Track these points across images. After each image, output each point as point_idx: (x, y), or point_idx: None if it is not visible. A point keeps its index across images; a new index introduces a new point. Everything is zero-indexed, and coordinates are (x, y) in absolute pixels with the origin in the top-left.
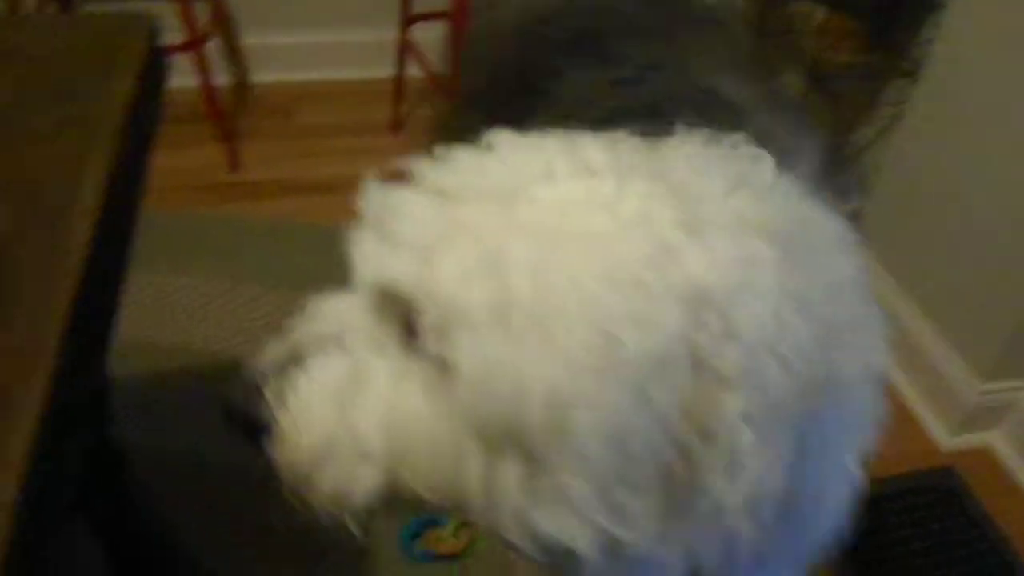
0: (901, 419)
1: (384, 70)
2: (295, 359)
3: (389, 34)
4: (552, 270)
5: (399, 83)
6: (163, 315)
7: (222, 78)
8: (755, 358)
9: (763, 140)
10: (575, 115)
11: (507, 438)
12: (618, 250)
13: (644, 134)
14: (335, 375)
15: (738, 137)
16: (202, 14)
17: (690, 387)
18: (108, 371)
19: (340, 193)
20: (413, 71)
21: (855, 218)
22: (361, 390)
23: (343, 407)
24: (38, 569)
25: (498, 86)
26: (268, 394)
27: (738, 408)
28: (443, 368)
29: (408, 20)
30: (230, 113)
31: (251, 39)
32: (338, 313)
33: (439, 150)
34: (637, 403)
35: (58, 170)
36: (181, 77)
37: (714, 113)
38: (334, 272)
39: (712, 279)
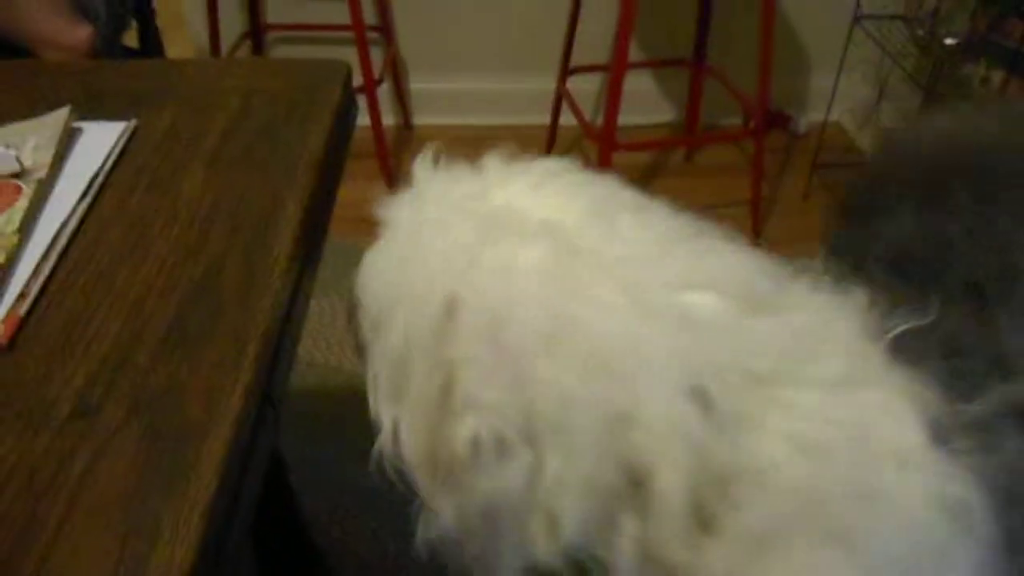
0: None
1: (541, 117)
2: None
3: (548, 84)
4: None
5: (552, 131)
6: (315, 334)
7: (388, 118)
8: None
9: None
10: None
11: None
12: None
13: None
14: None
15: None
16: (376, 59)
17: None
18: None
19: None
20: (567, 120)
21: None
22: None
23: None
24: (224, 570)
25: (894, 200)
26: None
27: (464, 394)
28: None
29: (566, 71)
30: (393, 152)
31: (417, 84)
32: None
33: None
34: (404, 327)
35: (261, 200)
36: None
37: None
38: None
39: (492, 279)
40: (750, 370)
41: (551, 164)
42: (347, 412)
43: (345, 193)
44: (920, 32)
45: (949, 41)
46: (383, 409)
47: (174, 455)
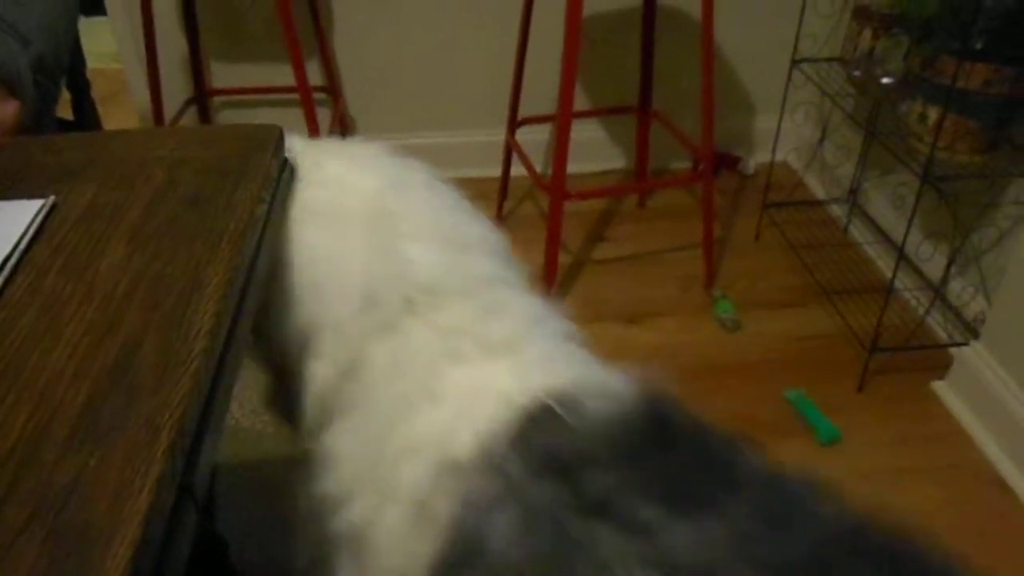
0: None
1: (492, 170)
2: None
3: (497, 136)
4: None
5: (504, 182)
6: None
7: None
8: None
9: None
10: None
11: None
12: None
13: None
14: None
15: None
16: (325, 120)
17: None
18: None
19: None
20: (520, 170)
21: None
22: None
23: None
24: None
25: None
26: None
27: None
28: None
29: (515, 123)
30: None
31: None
32: None
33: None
34: None
35: (183, 275)
36: None
37: None
38: None
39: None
40: (409, 300)
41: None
42: (280, 478)
43: None
44: (856, 73)
45: (885, 80)
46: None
47: (78, 560)
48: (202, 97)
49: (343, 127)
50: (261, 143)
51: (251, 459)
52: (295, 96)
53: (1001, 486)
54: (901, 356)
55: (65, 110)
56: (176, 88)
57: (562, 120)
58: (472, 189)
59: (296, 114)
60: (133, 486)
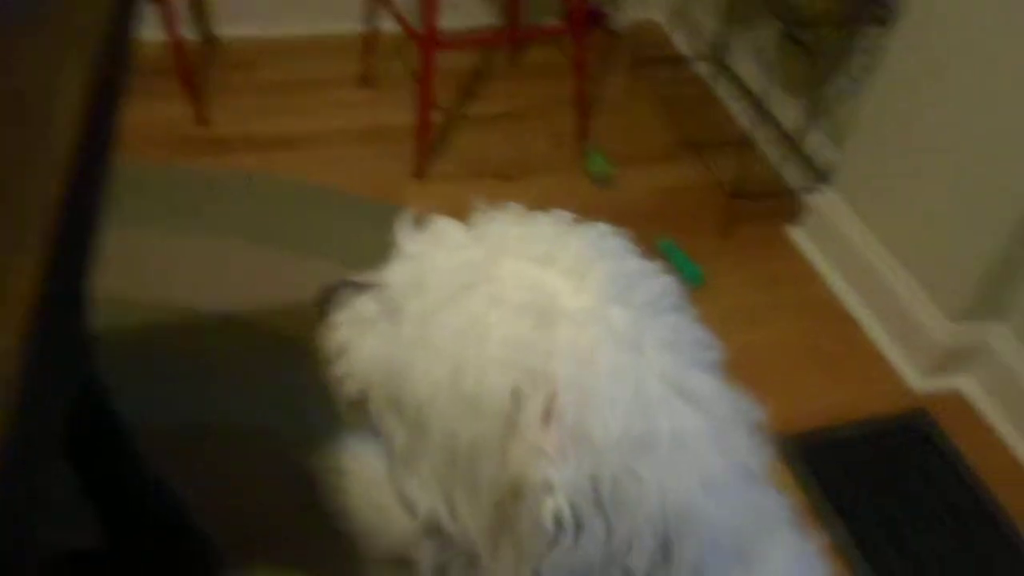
0: (872, 362)
1: (354, 24)
2: (358, 290)
3: None
4: (441, 309)
5: (369, 37)
6: (132, 270)
7: (188, 32)
8: (571, 441)
9: None
10: None
11: (396, 406)
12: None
13: None
14: (364, 311)
15: None
16: None
17: (506, 444)
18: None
19: (307, 148)
20: (388, 25)
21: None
22: (369, 328)
23: (359, 332)
24: (20, 509)
25: None
26: (335, 302)
27: (539, 481)
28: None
29: None
30: (197, 68)
31: None
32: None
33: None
34: (463, 428)
35: (37, 74)
36: (147, 30)
37: None
38: (298, 225)
39: (555, 366)
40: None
41: (544, 224)
42: (164, 350)
43: (146, 114)
44: None
45: None
46: (428, 489)
47: None
48: None
49: None
50: None
51: (142, 328)
52: None
53: (848, 319)
54: (761, 205)
55: None
56: None
57: None
58: (332, 47)
59: None
60: (8, 271)
